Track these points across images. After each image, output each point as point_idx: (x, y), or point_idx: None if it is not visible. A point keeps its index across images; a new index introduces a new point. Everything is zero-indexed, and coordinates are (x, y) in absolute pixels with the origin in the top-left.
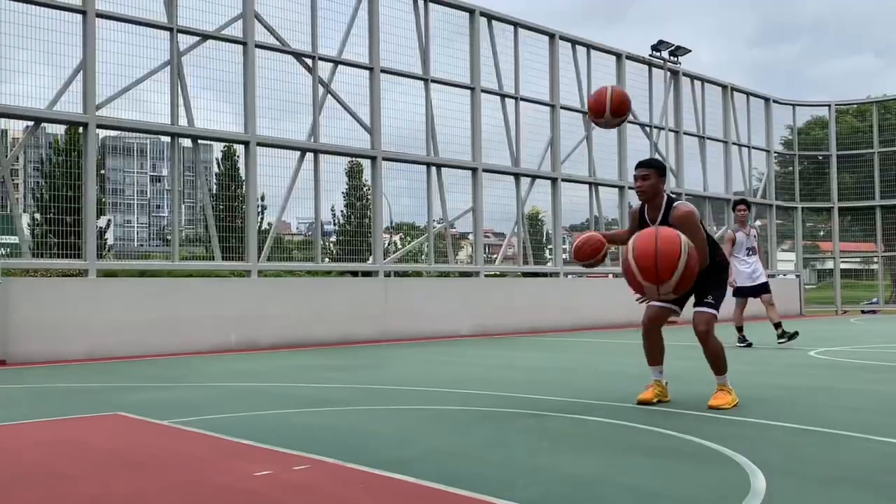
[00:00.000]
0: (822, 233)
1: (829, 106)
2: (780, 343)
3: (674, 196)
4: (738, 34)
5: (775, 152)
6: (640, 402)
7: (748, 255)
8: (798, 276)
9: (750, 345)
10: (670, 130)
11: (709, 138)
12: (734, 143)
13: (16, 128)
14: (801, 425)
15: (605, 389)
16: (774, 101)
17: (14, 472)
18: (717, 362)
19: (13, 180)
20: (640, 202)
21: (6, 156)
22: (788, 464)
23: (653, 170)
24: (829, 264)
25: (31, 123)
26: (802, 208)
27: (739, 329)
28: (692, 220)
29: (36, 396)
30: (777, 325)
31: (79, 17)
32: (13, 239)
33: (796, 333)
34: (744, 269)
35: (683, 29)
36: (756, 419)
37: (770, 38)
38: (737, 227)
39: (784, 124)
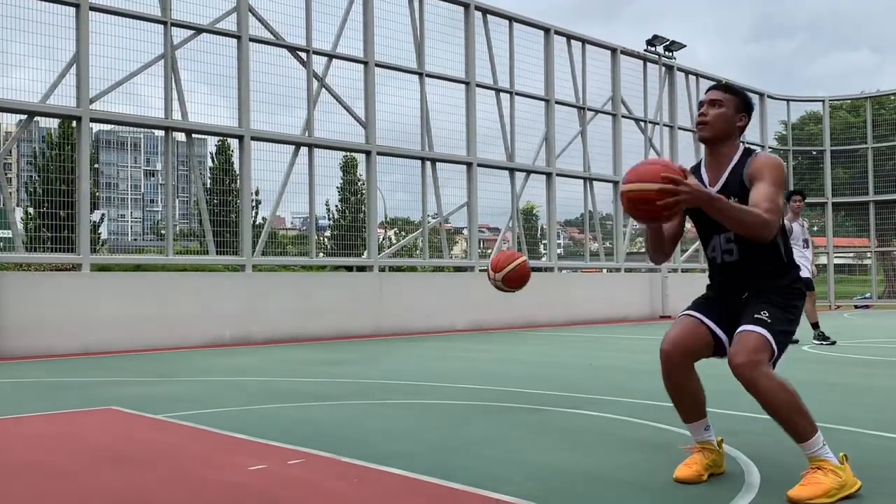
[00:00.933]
0: (815, 228)
1: (823, 101)
2: (815, 343)
3: (754, 148)
4: (734, 31)
5: (769, 147)
6: (680, 481)
7: (804, 246)
8: None
9: (834, 342)
10: (665, 125)
11: None
12: None
13: (8, 121)
14: None
15: (601, 384)
16: (769, 97)
17: (7, 467)
18: (787, 417)
19: (6, 174)
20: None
21: None
22: (782, 458)
23: (730, 96)
24: (823, 259)
25: (24, 117)
26: None
27: (815, 325)
28: (777, 171)
29: (29, 391)
30: (815, 325)
31: (72, 10)
32: (6, 233)
33: (834, 343)
34: (804, 262)
35: (680, 26)
36: (749, 413)
37: (766, 35)
38: (791, 217)
39: (778, 119)
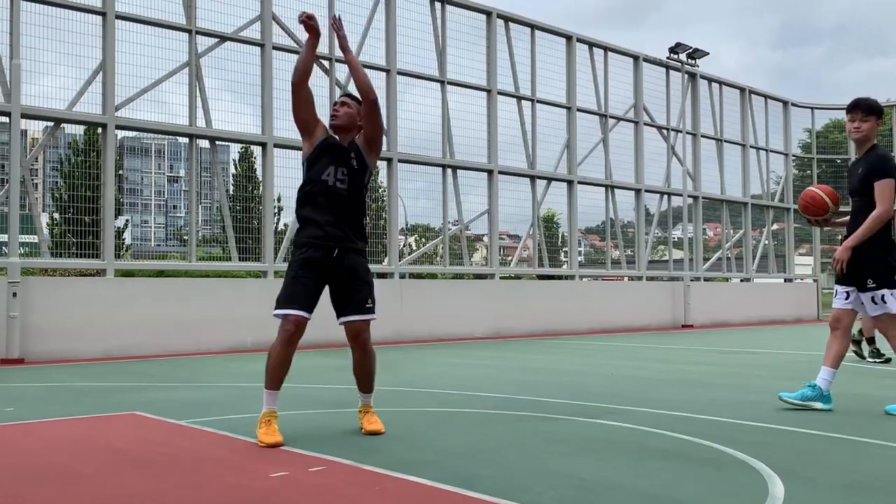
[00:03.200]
0: (840, 237)
1: None
2: (869, 360)
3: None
4: (761, 37)
5: (793, 155)
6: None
7: None
8: (815, 280)
9: (888, 360)
10: (688, 133)
11: (727, 141)
12: (752, 147)
13: (35, 128)
14: (819, 431)
15: (622, 393)
16: (793, 105)
17: (31, 471)
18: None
19: (32, 180)
20: None
21: (26, 156)
22: (806, 469)
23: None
24: None
25: (50, 124)
26: None
27: (871, 341)
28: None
29: (53, 395)
30: (871, 341)
31: (99, 18)
32: (32, 238)
33: (888, 360)
34: None
35: (706, 32)
36: (773, 424)
37: (794, 42)
38: None
39: (802, 127)
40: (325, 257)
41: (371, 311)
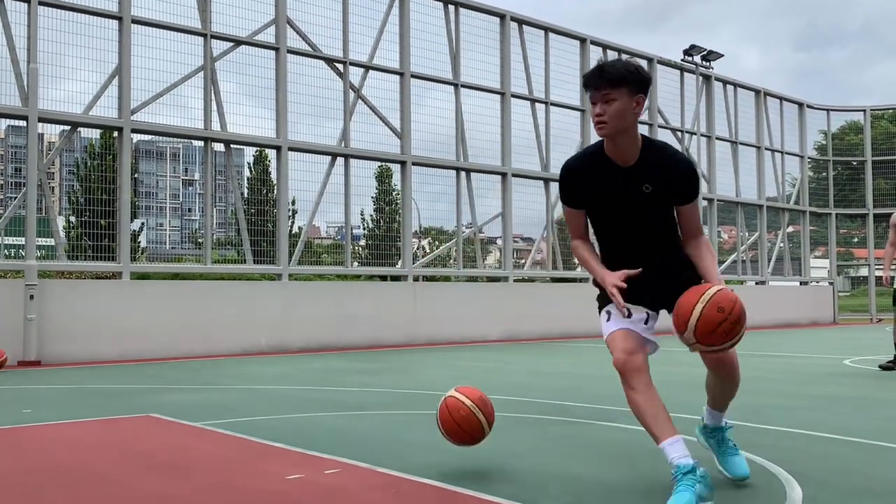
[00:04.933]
0: (856, 239)
1: (865, 111)
2: (881, 367)
3: None
4: (784, 39)
5: (809, 158)
6: None
7: None
8: (831, 283)
9: None
10: (702, 135)
11: (742, 143)
12: (767, 149)
13: (51, 131)
14: (837, 435)
15: None
16: (808, 107)
17: (49, 473)
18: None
19: (49, 184)
20: None
21: (42, 159)
22: (825, 475)
23: None
24: (864, 271)
25: (67, 128)
26: (836, 214)
27: None
28: None
29: (69, 397)
30: None
31: (115, 23)
32: (49, 241)
33: None
34: None
35: (729, 34)
36: (791, 428)
37: (818, 44)
38: None
39: (818, 129)
40: None
41: None
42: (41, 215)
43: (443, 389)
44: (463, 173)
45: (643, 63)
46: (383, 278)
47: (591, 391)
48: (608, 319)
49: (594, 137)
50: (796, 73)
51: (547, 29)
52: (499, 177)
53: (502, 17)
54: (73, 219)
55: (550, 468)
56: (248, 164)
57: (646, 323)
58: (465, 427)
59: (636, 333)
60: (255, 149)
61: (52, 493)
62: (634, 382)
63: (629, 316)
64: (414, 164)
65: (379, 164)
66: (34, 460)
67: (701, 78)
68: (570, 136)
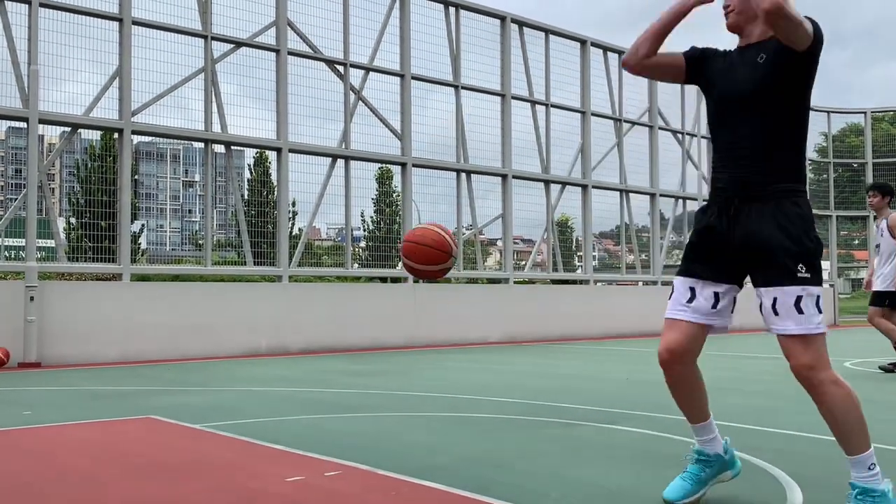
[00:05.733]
0: (856, 241)
1: (865, 113)
2: (881, 368)
3: None
4: None
5: (810, 160)
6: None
7: (876, 251)
8: (832, 285)
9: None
10: (703, 137)
11: None
12: None
13: (52, 133)
14: None
15: (637, 399)
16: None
17: (50, 475)
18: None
19: (49, 185)
20: None
21: (43, 161)
22: (826, 477)
23: None
24: (864, 274)
25: (68, 129)
26: (837, 216)
27: None
28: None
29: (70, 399)
30: None
31: (115, 24)
32: (49, 243)
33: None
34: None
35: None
36: (792, 430)
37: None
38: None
39: (819, 131)
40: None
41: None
42: (41, 217)
43: (443, 391)
44: (463, 175)
45: None
46: (383, 280)
47: (592, 393)
48: (670, 296)
49: (595, 139)
50: None
51: (547, 31)
52: (499, 178)
53: (503, 18)
54: (73, 220)
55: (551, 470)
56: (249, 165)
57: (714, 306)
58: (427, 241)
59: (682, 323)
60: (255, 150)
61: (52, 495)
62: (667, 378)
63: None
64: (414, 165)
65: (379, 165)
66: (35, 462)
67: None
68: (570, 138)
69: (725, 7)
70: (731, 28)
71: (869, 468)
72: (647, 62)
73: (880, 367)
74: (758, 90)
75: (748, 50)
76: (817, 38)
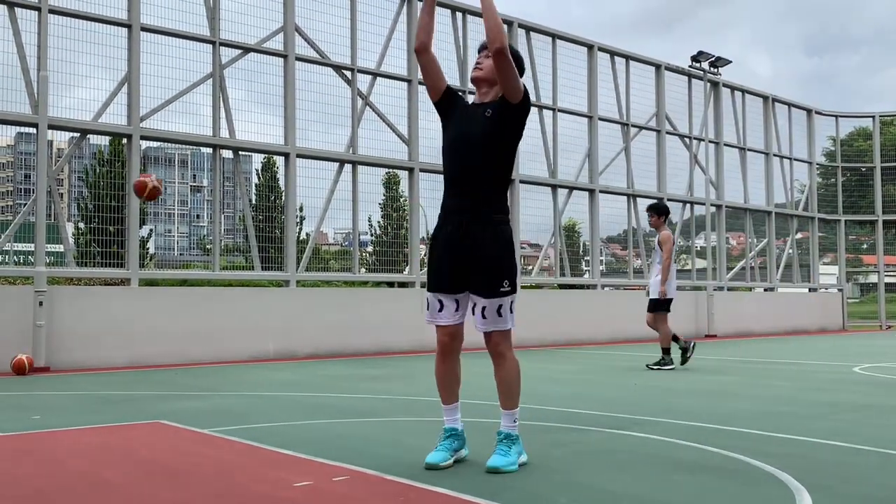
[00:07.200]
0: (865, 246)
1: (874, 117)
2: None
3: None
4: (795, 44)
5: (818, 164)
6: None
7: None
8: (841, 289)
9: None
10: (710, 142)
11: (750, 150)
12: (776, 155)
13: (61, 138)
14: (847, 443)
15: (645, 404)
16: (817, 113)
17: (59, 480)
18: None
19: (58, 190)
20: None
21: (52, 166)
22: (835, 483)
23: None
24: (873, 278)
25: (76, 135)
26: (845, 221)
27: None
28: None
29: (79, 404)
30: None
31: (124, 30)
32: (58, 248)
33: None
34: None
35: (740, 39)
36: (801, 436)
37: (829, 49)
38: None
39: (827, 135)
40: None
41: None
42: (50, 222)
43: None
44: None
45: (650, 70)
46: (391, 285)
47: (600, 398)
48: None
49: (602, 144)
50: (807, 77)
51: (554, 36)
52: None
53: (510, 24)
54: (82, 225)
55: (559, 476)
56: (257, 170)
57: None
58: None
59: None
60: (263, 155)
61: (60, 500)
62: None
63: None
64: (422, 170)
65: (387, 170)
66: (44, 467)
67: (709, 84)
68: (577, 142)
69: (478, 63)
70: (474, 81)
71: (514, 420)
72: (425, 56)
73: (647, 366)
74: (484, 135)
75: (481, 106)
76: (526, 95)
